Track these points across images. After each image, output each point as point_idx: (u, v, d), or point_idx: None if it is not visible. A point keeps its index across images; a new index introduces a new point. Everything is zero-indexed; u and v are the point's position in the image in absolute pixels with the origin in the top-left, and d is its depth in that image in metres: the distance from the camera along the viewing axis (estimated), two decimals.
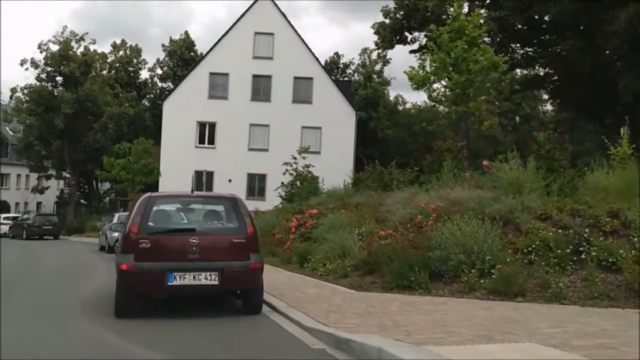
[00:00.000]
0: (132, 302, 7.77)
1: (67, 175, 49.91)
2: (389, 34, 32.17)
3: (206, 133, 41.09)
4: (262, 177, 40.68)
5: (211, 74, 41.05)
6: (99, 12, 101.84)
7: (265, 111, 40.61)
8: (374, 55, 45.58)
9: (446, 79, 18.33)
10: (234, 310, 8.27)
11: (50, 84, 40.83)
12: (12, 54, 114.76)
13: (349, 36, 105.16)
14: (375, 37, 34.03)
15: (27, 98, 39.69)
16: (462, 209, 11.16)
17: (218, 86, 41.09)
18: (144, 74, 56.83)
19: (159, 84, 57.35)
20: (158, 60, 57.57)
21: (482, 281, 9.11)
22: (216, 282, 7.55)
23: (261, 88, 41.32)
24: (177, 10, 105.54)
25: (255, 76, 41.05)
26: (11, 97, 39.49)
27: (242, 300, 8.28)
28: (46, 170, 47.04)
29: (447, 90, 18.32)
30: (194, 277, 7.50)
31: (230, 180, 40.30)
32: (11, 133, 64.77)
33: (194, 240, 7.55)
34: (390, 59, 44.71)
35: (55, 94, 40.48)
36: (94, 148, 41.55)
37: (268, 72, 41.00)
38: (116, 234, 20.40)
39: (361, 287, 9.83)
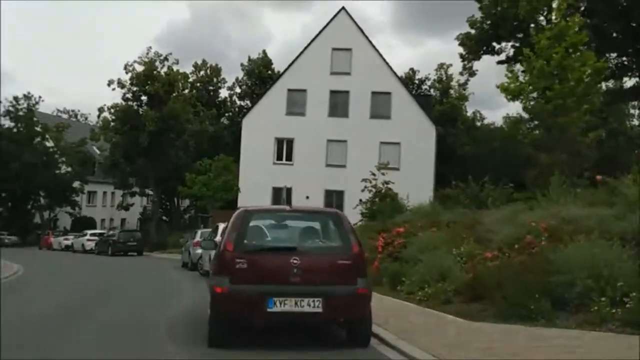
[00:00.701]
0: (227, 330, 7.07)
1: (150, 193, 51.17)
2: (476, 45, 30.98)
3: (284, 149, 40.98)
4: (340, 194, 40.08)
5: (289, 90, 40.99)
6: (180, 37, 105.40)
7: (343, 127, 40.11)
8: (459, 68, 44.21)
9: (543, 89, 17.08)
10: (338, 342, 7.43)
11: (135, 103, 42.08)
12: (102, 75, 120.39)
13: (423, 52, 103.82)
14: (459, 50, 32.94)
15: (113, 117, 40.99)
16: (579, 227, 10.03)
17: (296, 102, 40.97)
18: (223, 93, 57.71)
19: (238, 102, 58.08)
20: (237, 79, 58.43)
21: (614, 311, 7.97)
22: (319, 310, 6.73)
23: (339, 104, 40.88)
24: (255, 33, 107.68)
25: (332, 92, 40.68)
26: (98, 117, 40.98)
27: (346, 330, 7.44)
28: (131, 188, 48.34)
29: (545, 100, 17.04)
30: (296, 304, 6.72)
31: (307, 197, 39.91)
32: (98, 152, 67.50)
33: (295, 261, 6.78)
34: (477, 70, 43.14)
35: (140, 112, 41.63)
36: (176, 165, 42.29)
37: (346, 87, 40.55)
38: (200, 251, 20.22)
39: (470, 316, 8.86)
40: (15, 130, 58.99)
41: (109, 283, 16.43)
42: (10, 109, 58.99)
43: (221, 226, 21.04)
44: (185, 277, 18.53)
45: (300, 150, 40.48)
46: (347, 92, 40.54)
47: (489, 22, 30.03)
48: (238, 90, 58.92)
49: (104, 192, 70.88)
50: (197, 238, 21.11)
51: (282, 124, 40.50)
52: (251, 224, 7.37)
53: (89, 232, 39.63)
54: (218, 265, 7.21)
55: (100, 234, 38.24)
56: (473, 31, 31.56)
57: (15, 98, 59.21)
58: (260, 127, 40.57)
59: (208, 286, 7.55)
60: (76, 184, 60.51)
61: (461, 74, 47.90)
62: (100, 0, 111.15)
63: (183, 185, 34.65)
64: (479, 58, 33.08)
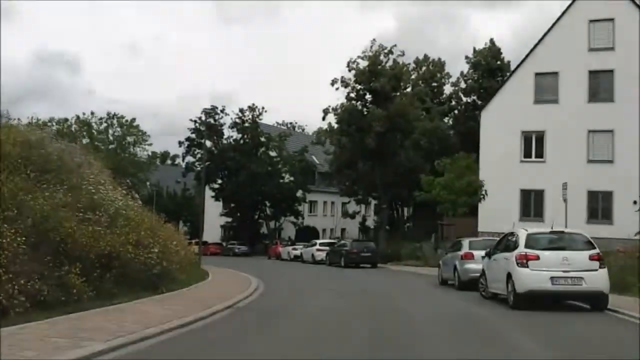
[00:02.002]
0: None
1: (374, 201, 48.20)
2: None
3: (532, 144, 34.76)
4: (607, 195, 32.80)
5: (537, 75, 34.75)
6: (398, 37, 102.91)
7: (607, 114, 32.77)
8: None
9: None
10: None
11: (360, 102, 39.11)
12: (314, 91, 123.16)
13: None
14: None
15: (338, 118, 38.46)
16: None
17: (546, 88, 34.58)
18: (447, 89, 52.71)
19: (463, 99, 52.57)
20: (462, 73, 53.10)
21: None
22: None
23: (600, 86, 33.62)
24: (463, 34, 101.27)
25: (592, 72, 33.56)
26: (323, 119, 38.85)
27: None
28: (356, 194, 45.67)
29: None
30: None
31: (565, 200, 33.24)
32: (317, 161, 67.02)
33: None
34: None
35: (365, 112, 38.55)
36: (406, 168, 38.43)
37: (609, 65, 33.16)
38: (472, 266, 15.58)
39: None
40: (241, 141, 60.45)
41: (366, 306, 12.73)
42: (237, 120, 60.60)
43: (467, 243, 16.73)
44: (465, 300, 13.95)
45: (553, 144, 33.98)
46: (610, 71, 33.16)
47: None
48: (463, 85, 53.46)
49: (324, 202, 70.31)
50: (466, 249, 16.53)
51: (529, 114, 34.43)
52: None
53: (318, 241, 37.41)
54: None
55: (331, 244, 35.73)
56: None
57: (241, 110, 60.82)
58: (503, 120, 34.95)
59: None
60: (299, 193, 60.14)
61: None
62: (301, 22, 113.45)
63: (418, 189, 30.46)
64: None
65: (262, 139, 58.95)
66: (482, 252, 16.01)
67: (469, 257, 16.09)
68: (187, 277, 15.86)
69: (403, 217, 50.53)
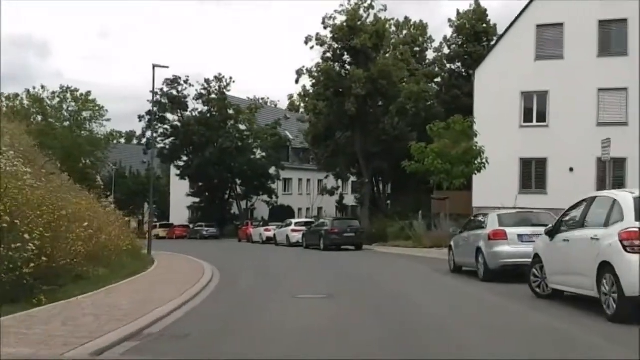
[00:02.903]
0: None
1: (352, 177, 43.97)
2: None
3: (534, 107, 30.74)
4: (620, 163, 28.88)
5: (538, 27, 30.58)
6: None
7: (620, 70, 28.77)
8: None
9: None
10: None
11: (337, 63, 34.47)
12: (285, 66, 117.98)
13: None
14: None
15: (313, 81, 33.76)
16: None
17: (549, 42, 30.46)
18: (430, 55, 48.31)
19: (447, 66, 48.27)
20: (445, 38, 48.71)
21: None
22: None
23: (612, 38, 29.61)
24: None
25: (602, 22, 29.48)
26: (297, 81, 33.99)
27: None
28: (335, 168, 41.20)
29: None
30: None
31: (571, 170, 29.40)
32: (291, 137, 62.40)
33: None
34: None
35: (344, 74, 33.93)
36: (390, 136, 34.06)
37: (621, 14, 29.10)
38: (506, 248, 11.36)
39: None
40: (207, 114, 55.55)
41: (407, 317, 8.29)
42: (202, 91, 55.61)
43: (494, 217, 12.48)
44: (510, 299, 9.63)
45: (557, 106, 29.96)
46: (623, 20, 29.12)
47: None
48: (446, 51, 49.16)
49: (300, 179, 65.93)
50: (493, 226, 12.25)
51: (530, 72, 30.34)
52: None
53: (294, 221, 32.99)
54: None
55: (308, 224, 31.39)
56: None
57: (207, 80, 55.77)
58: (500, 80, 30.81)
59: None
60: (272, 170, 55.64)
61: None
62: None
63: (409, 158, 26.18)
64: None
65: (231, 112, 54.12)
66: (517, 230, 11.77)
67: (500, 236, 11.79)
68: (110, 271, 11.40)
69: (385, 193, 46.30)
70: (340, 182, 45.18)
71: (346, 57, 34.75)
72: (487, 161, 25.57)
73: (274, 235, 33.85)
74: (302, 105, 33.05)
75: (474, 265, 12.91)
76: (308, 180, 65.16)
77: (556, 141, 29.55)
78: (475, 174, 25.98)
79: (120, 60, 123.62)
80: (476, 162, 25.72)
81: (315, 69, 33.09)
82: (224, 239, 49.98)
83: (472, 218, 14.47)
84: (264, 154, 54.47)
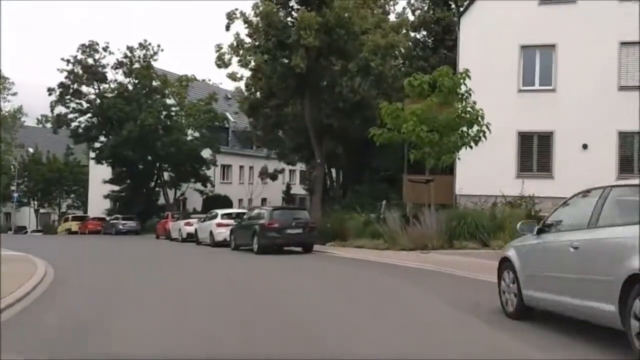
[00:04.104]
0: None
1: (301, 164, 36.23)
2: None
3: (536, 66, 23.77)
4: None
5: None
6: None
7: None
8: None
9: None
10: None
11: (281, 7, 26.26)
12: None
13: None
14: None
15: (250, 29, 25.64)
16: None
17: None
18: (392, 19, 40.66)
19: (412, 34, 40.78)
20: (409, 2, 41.25)
21: None
22: None
23: None
24: None
25: None
26: (227, 28, 25.65)
27: None
28: (278, 146, 33.01)
29: None
30: None
31: (585, 147, 22.58)
32: (231, 118, 54.28)
33: None
34: None
35: (290, 22, 25.88)
36: (350, 103, 26.29)
37: None
38: None
39: None
40: (131, 87, 46.81)
41: None
42: (124, 60, 46.79)
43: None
44: None
45: (567, 64, 23.04)
46: None
47: None
48: (411, 17, 41.67)
49: (241, 167, 57.84)
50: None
51: (531, 21, 23.33)
52: None
53: (220, 212, 24.95)
54: None
55: (238, 215, 23.49)
56: None
57: (130, 48, 46.96)
58: (492, 29, 23.78)
59: None
60: (207, 155, 47.44)
61: None
62: None
63: (380, 124, 18.72)
64: None
65: (156, 83, 45.56)
66: None
67: None
68: None
69: (339, 180, 38.76)
70: (284, 164, 37.10)
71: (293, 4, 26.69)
72: (488, 128, 18.29)
73: (195, 230, 25.78)
74: (235, 60, 25.12)
75: (580, 309, 5.55)
76: (250, 168, 57.16)
77: (565, 110, 22.70)
78: (471, 148, 18.67)
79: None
80: (471, 130, 18.45)
81: (252, 12, 25.05)
82: (146, 234, 41.53)
83: (559, 208, 6.75)
84: (196, 133, 46.20)
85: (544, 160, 23.27)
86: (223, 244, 22.42)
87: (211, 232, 23.41)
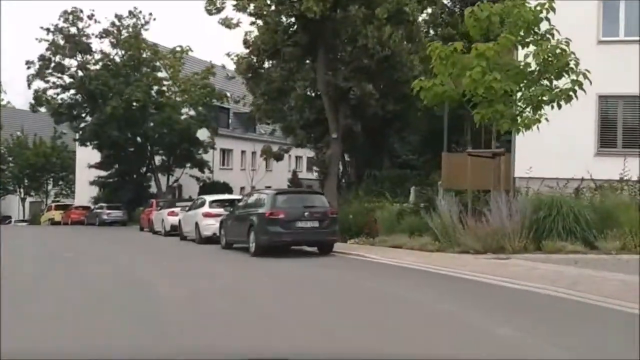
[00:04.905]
0: None
1: (309, 146, 30.85)
2: None
3: (621, 11, 18.26)
4: None
5: None
6: None
7: None
8: None
9: None
10: None
11: None
12: None
13: None
14: None
15: None
16: None
17: None
18: None
19: None
20: None
21: None
22: None
23: None
24: None
25: None
26: None
27: None
28: (285, 119, 27.13)
29: None
30: None
31: None
32: (231, 100, 48.92)
33: None
34: None
35: None
36: (375, 61, 20.42)
37: None
38: None
39: None
40: (117, 59, 41.45)
41: None
42: (110, 29, 41.37)
43: None
44: None
45: None
46: None
47: None
48: None
49: (242, 152, 52.45)
50: None
51: None
52: None
53: (209, 198, 19.35)
54: None
55: (229, 202, 17.95)
56: None
57: (118, 16, 41.53)
58: None
59: None
60: (204, 137, 42.12)
61: None
62: None
63: (432, 74, 13.27)
64: None
65: (146, 54, 40.15)
66: None
67: None
68: None
69: (353, 164, 33.16)
70: (290, 142, 31.29)
71: None
72: (586, 77, 12.80)
73: (179, 221, 20.33)
74: (230, 4, 19.59)
75: None
76: (253, 153, 51.63)
77: None
78: (559, 107, 13.17)
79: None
80: (568, 77, 12.95)
81: None
82: (134, 224, 36.34)
83: None
84: (191, 112, 40.84)
85: (632, 134, 17.79)
86: (212, 239, 17.06)
87: (197, 225, 17.98)
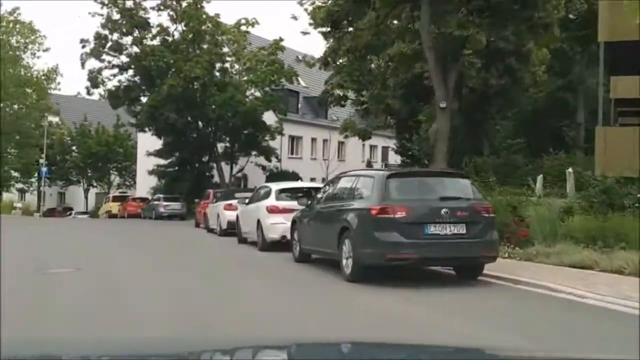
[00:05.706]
0: None
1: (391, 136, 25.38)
2: None
3: None
4: None
5: None
6: None
7: None
8: None
9: None
10: None
11: None
12: None
13: None
14: None
15: None
16: None
17: None
18: None
19: None
20: None
21: None
22: None
23: None
24: None
25: None
26: None
27: None
28: (366, 86, 21.39)
29: None
30: None
31: None
32: (303, 83, 44.28)
33: None
34: None
35: None
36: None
37: None
38: None
39: None
40: (176, 34, 37.28)
41: None
42: (170, 1, 37.19)
43: None
44: None
45: None
46: None
47: None
48: None
49: (313, 139, 47.47)
50: None
51: None
52: None
53: (275, 187, 14.09)
54: None
55: (308, 193, 12.71)
56: None
57: None
58: None
59: None
60: (271, 122, 37.43)
61: None
62: None
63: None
64: None
65: (207, 26, 35.71)
66: None
67: None
68: None
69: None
70: (376, 120, 25.52)
71: None
72: None
73: (237, 216, 15.30)
74: None
75: None
76: (324, 141, 46.66)
77: None
78: None
79: None
80: None
81: None
82: (193, 218, 32.11)
83: None
84: (257, 93, 36.17)
85: None
86: (281, 244, 12.05)
87: (259, 223, 12.92)
